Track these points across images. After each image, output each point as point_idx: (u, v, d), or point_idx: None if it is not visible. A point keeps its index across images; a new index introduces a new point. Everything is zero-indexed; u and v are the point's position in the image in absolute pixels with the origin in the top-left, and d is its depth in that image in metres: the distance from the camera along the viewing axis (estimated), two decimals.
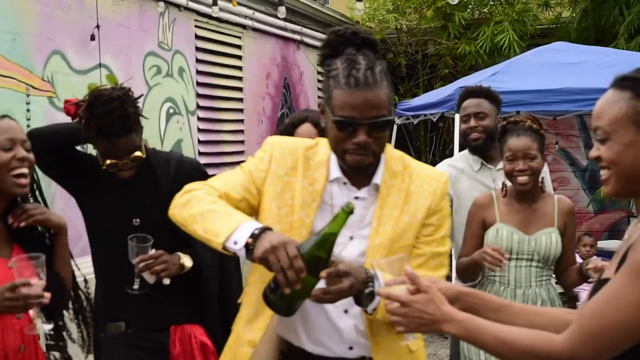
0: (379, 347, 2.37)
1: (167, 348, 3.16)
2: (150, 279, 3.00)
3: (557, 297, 3.68)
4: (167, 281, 3.01)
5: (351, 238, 2.37)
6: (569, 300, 4.72)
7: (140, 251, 2.95)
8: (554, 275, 3.71)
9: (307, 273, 2.08)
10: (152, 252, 2.97)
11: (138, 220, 3.11)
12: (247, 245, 2.12)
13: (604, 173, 1.87)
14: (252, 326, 2.44)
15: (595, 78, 6.57)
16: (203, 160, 7.30)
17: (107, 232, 3.15)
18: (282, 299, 2.14)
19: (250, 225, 2.16)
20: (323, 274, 2.15)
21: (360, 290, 2.24)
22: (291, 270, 2.04)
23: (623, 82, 1.84)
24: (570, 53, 7.83)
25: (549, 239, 3.55)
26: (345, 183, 2.40)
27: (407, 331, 1.98)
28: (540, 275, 3.59)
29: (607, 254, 6.19)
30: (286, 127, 3.85)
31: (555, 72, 7.42)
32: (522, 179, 3.48)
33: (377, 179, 2.40)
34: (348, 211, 2.12)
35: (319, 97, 10.35)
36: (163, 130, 6.81)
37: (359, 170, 2.34)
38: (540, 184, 3.61)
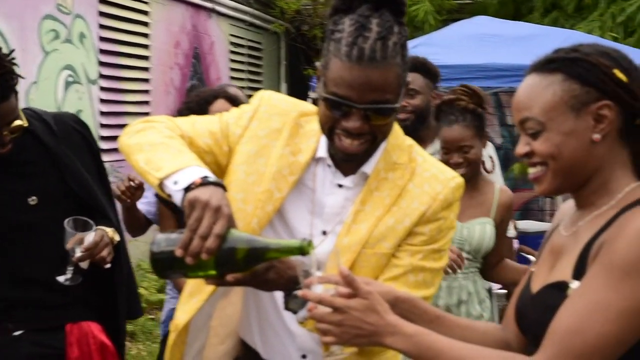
0: None
1: (63, 352, 2.72)
2: (85, 264, 2.60)
3: (483, 290, 3.42)
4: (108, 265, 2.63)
5: (324, 233, 2.00)
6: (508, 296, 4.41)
7: (77, 238, 2.55)
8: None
9: (215, 264, 1.72)
10: (91, 235, 2.57)
11: (35, 198, 2.66)
12: (188, 188, 1.75)
13: (536, 170, 1.62)
14: (181, 308, 2.09)
15: (518, 55, 6.42)
16: (104, 133, 6.93)
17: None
18: (167, 255, 1.75)
19: (202, 172, 1.79)
20: (230, 277, 1.79)
21: (286, 289, 1.87)
22: (200, 242, 1.67)
23: (550, 65, 1.61)
24: (492, 27, 7.71)
25: (483, 230, 3.28)
26: (329, 166, 2.01)
27: (338, 343, 1.64)
28: (467, 267, 3.32)
29: (525, 236, 6.05)
30: (197, 103, 3.43)
31: (478, 46, 7.27)
32: (458, 171, 3.18)
33: (368, 167, 1.99)
34: (303, 249, 1.72)
35: (231, 68, 10.01)
36: (60, 100, 6.43)
37: (347, 160, 1.96)
38: (483, 167, 3.36)
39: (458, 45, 7.30)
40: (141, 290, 6.77)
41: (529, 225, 7.48)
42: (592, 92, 1.56)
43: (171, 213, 3.47)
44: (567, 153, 1.56)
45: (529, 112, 1.59)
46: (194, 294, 2.05)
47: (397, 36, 1.81)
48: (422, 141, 3.90)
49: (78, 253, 2.55)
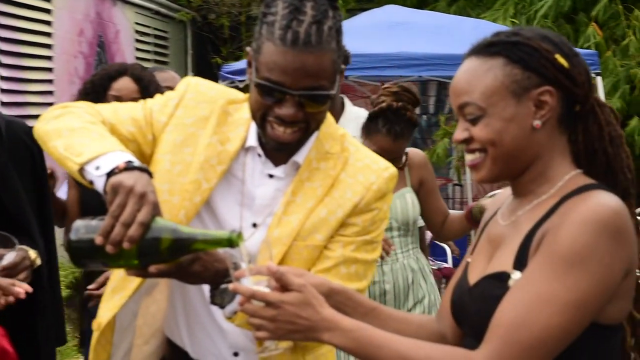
0: None
1: None
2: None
3: (428, 265, 3.41)
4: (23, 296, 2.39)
5: (254, 226, 1.92)
6: None
7: None
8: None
9: (137, 254, 1.62)
10: (12, 255, 2.39)
11: None
12: (111, 173, 1.65)
13: (474, 157, 1.58)
14: (104, 306, 1.98)
15: (428, 44, 6.46)
16: None
17: None
18: (85, 243, 1.64)
19: (127, 156, 1.70)
20: (152, 269, 1.69)
21: (213, 283, 1.78)
22: (122, 230, 1.57)
23: (491, 48, 1.57)
24: (402, 16, 7.74)
25: (403, 202, 3.24)
26: (260, 155, 1.93)
27: (272, 338, 1.57)
28: (405, 245, 3.29)
29: None
30: (100, 78, 3.26)
31: (387, 35, 7.29)
32: None
33: (300, 156, 1.92)
34: (232, 241, 1.63)
35: (137, 57, 9.78)
36: None
37: (280, 150, 1.88)
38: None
39: (368, 34, 7.31)
40: None
41: None
42: (533, 77, 1.53)
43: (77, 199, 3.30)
44: (508, 139, 1.53)
45: (469, 97, 1.56)
46: (117, 291, 1.96)
47: (332, 20, 1.76)
48: None
49: None
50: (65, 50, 8.00)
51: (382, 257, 3.06)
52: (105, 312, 1.97)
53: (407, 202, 3.24)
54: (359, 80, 8.35)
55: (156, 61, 10.52)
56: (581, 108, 1.58)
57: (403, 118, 3.14)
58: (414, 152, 3.37)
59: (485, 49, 1.58)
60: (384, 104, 3.22)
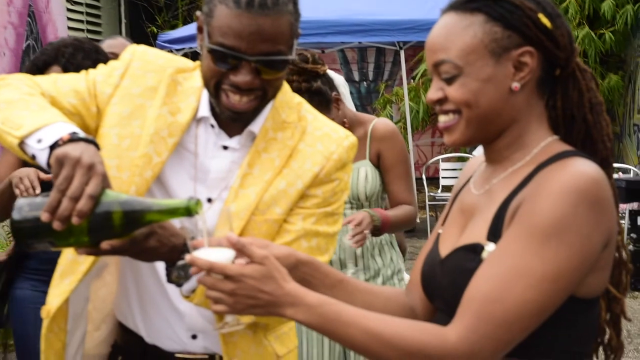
0: (230, 344, 1.83)
1: None
2: None
3: (388, 240, 3.26)
4: None
5: (209, 201, 1.81)
6: None
7: None
8: None
9: (87, 230, 1.50)
10: None
11: None
12: (54, 145, 1.53)
13: (448, 119, 1.50)
14: (52, 291, 1.86)
15: (369, 11, 6.40)
16: None
17: None
18: (31, 222, 1.51)
19: (70, 127, 1.59)
20: (104, 245, 1.56)
21: (170, 260, 1.67)
22: (70, 204, 1.46)
23: (471, 4, 1.48)
24: None
25: (355, 175, 3.11)
26: (212, 126, 1.82)
27: (231, 312, 1.47)
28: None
29: None
30: (30, 70, 2.98)
31: (329, 2, 7.22)
32: None
33: (255, 126, 1.81)
34: (189, 209, 1.51)
35: (69, 27, 9.49)
36: None
37: (235, 119, 1.77)
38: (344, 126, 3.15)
39: (310, 1, 7.24)
40: None
41: None
42: (514, 36, 1.45)
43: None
44: (484, 101, 1.45)
45: (445, 55, 1.47)
46: (66, 275, 1.84)
47: None
48: None
49: None
50: None
51: (355, 246, 2.93)
52: (54, 298, 1.85)
53: (359, 175, 3.12)
54: (299, 48, 8.27)
55: (89, 31, 10.23)
56: (561, 72, 1.50)
57: (299, 92, 2.94)
58: (379, 123, 3.19)
59: (464, 4, 1.48)
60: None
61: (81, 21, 10.08)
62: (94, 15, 10.55)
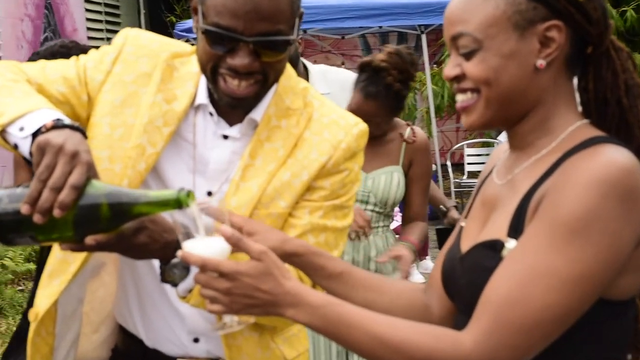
0: (234, 348, 1.72)
1: None
2: None
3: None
4: None
5: (209, 194, 1.70)
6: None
7: None
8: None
9: (72, 223, 1.39)
10: None
11: None
12: (37, 132, 1.44)
13: (465, 98, 1.37)
14: (41, 293, 1.75)
15: None
16: None
17: None
18: (10, 215, 1.41)
19: (55, 114, 1.49)
20: (90, 240, 1.43)
21: (164, 258, 1.56)
22: (52, 195, 1.35)
23: None
24: None
25: (388, 179, 3.03)
26: (211, 114, 1.71)
27: (226, 312, 1.36)
28: (376, 221, 3.08)
29: None
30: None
31: None
32: None
33: (257, 113, 1.69)
34: (181, 201, 1.40)
35: (87, 19, 9.44)
36: None
37: (234, 106, 1.65)
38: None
39: None
40: (6, 262, 6.30)
41: None
42: (540, 8, 1.31)
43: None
44: (505, 79, 1.32)
45: (464, 27, 1.34)
46: (55, 275, 1.73)
47: None
48: None
49: None
50: (10, 14, 7.71)
51: (358, 237, 2.86)
52: (42, 300, 1.75)
53: (392, 181, 3.03)
54: (318, 34, 8.15)
55: (107, 22, 10.18)
56: (594, 50, 1.36)
57: (382, 81, 2.89)
58: (417, 133, 3.12)
59: None
60: (370, 59, 2.98)
61: (99, 12, 10.02)
62: (112, 5, 10.49)
